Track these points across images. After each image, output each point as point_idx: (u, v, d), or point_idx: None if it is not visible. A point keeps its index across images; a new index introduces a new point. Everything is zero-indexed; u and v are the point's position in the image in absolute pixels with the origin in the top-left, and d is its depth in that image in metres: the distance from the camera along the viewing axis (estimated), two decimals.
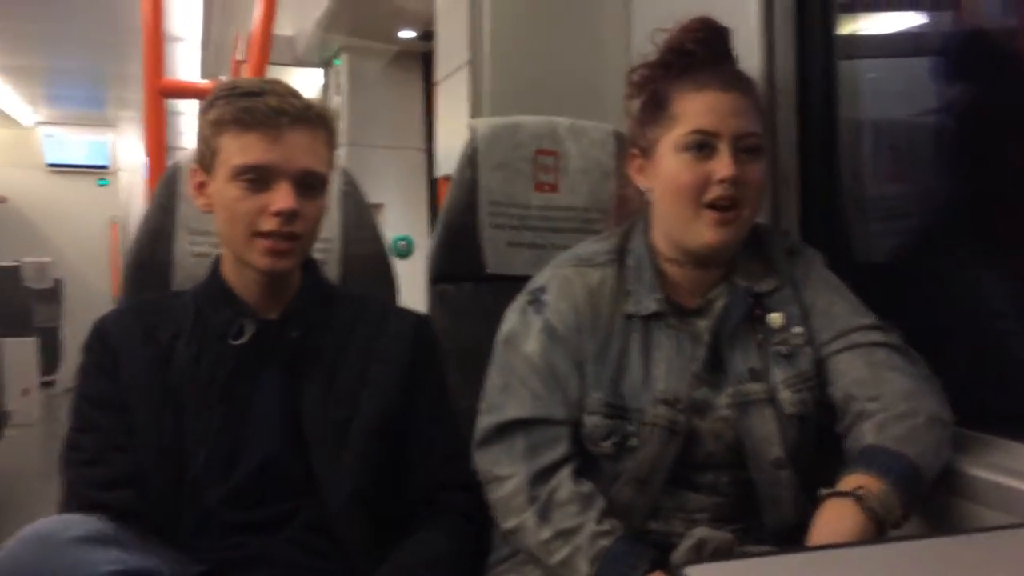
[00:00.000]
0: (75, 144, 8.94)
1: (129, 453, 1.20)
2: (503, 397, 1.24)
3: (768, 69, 1.47)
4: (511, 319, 1.29)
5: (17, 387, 6.07)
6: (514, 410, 1.23)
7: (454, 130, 2.07)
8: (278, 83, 1.26)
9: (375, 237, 1.55)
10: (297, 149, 1.20)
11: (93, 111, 8.50)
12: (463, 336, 1.53)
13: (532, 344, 1.24)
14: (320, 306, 1.31)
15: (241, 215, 1.20)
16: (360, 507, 1.22)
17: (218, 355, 1.24)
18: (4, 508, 4.63)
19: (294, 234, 1.21)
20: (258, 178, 1.19)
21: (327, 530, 1.20)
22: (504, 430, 1.22)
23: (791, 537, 1.20)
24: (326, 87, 4.27)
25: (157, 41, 1.75)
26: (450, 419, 1.34)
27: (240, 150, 1.19)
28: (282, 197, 1.19)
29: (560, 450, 1.20)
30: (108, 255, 8.78)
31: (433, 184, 3.93)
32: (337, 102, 3.96)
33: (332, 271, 1.48)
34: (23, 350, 6.38)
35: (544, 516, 1.16)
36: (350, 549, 1.20)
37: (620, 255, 1.29)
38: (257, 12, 1.75)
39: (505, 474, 1.20)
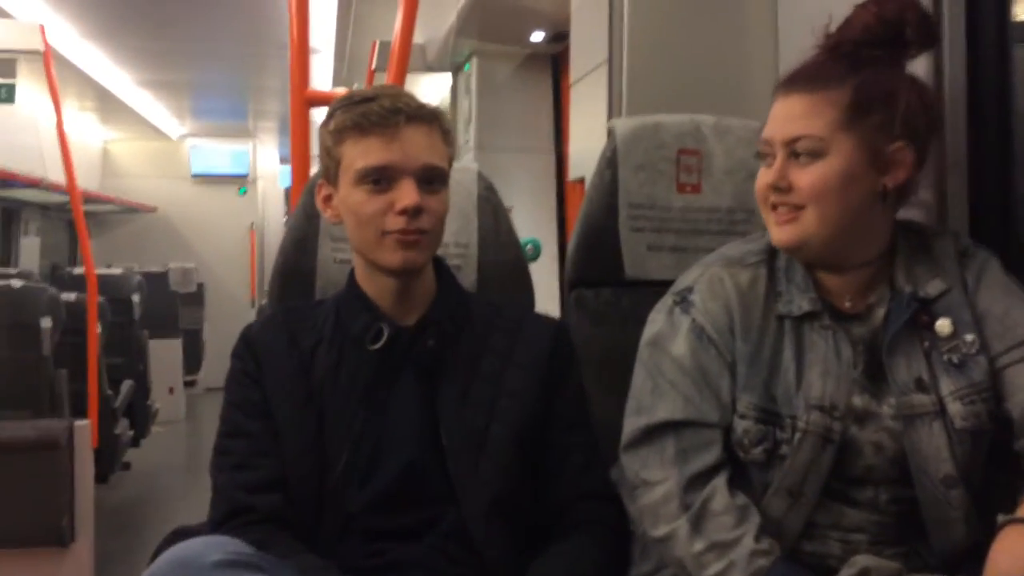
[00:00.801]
0: (217, 154, 9.40)
1: (276, 458, 1.22)
2: (652, 399, 1.20)
3: (935, 54, 1.37)
4: (657, 320, 1.25)
5: (164, 386, 6.43)
6: (664, 412, 1.19)
7: (589, 132, 2.04)
8: (390, 87, 1.30)
9: (512, 243, 1.53)
10: (415, 145, 1.21)
11: (234, 122, 8.92)
12: (601, 342, 1.50)
13: (680, 345, 1.20)
14: (456, 314, 1.30)
15: (368, 218, 1.22)
16: (499, 515, 1.21)
17: (357, 361, 1.25)
18: (149, 503, 4.90)
19: (421, 230, 1.21)
20: (381, 178, 1.21)
21: (468, 539, 1.19)
22: (653, 432, 1.18)
23: (961, 563, 1.12)
24: (454, 91, 4.32)
25: (304, 53, 1.82)
26: (588, 427, 1.31)
27: (361, 154, 1.21)
28: (406, 194, 1.20)
29: (713, 455, 1.16)
30: (247, 260, 9.20)
31: (561, 187, 3.92)
32: (466, 107, 4.00)
33: (468, 277, 1.47)
34: (170, 351, 6.76)
35: (697, 526, 1.12)
36: (489, 558, 1.19)
37: (770, 256, 1.24)
38: (397, 22, 1.79)
39: (655, 479, 1.16)
